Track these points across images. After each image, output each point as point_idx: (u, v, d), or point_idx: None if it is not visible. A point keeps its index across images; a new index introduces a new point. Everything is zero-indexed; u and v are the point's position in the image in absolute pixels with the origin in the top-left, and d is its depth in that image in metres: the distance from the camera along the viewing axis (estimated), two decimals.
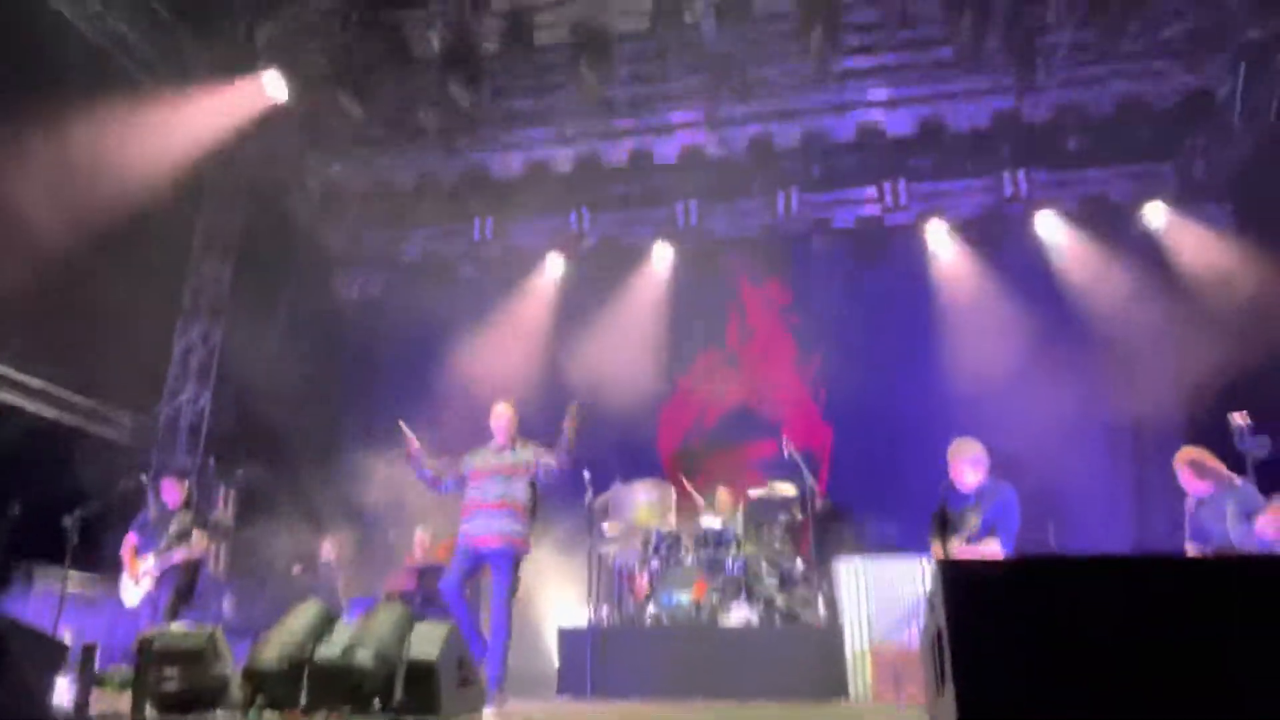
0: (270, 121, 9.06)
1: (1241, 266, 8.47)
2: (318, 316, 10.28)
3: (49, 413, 7.89)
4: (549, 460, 5.81)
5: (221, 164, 9.37)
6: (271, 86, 8.78)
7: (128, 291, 8.29)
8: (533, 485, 5.87)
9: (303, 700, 3.70)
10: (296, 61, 8.92)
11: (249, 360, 9.21)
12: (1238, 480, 5.63)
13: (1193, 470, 5.52)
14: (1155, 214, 9.52)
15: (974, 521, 5.45)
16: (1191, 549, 5.40)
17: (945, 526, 5.31)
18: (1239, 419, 7.24)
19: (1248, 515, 5.26)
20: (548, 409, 9.66)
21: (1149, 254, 9.53)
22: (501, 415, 6.02)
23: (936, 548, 5.33)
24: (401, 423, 5.94)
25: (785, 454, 8.34)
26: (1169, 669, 1.34)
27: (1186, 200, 9.52)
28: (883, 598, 6.65)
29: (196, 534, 6.57)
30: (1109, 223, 9.66)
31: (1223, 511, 5.35)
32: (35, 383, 7.77)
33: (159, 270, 9.12)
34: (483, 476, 5.85)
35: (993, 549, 5.35)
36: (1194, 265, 9.17)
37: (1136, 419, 9.19)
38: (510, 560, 5.68)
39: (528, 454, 5.90)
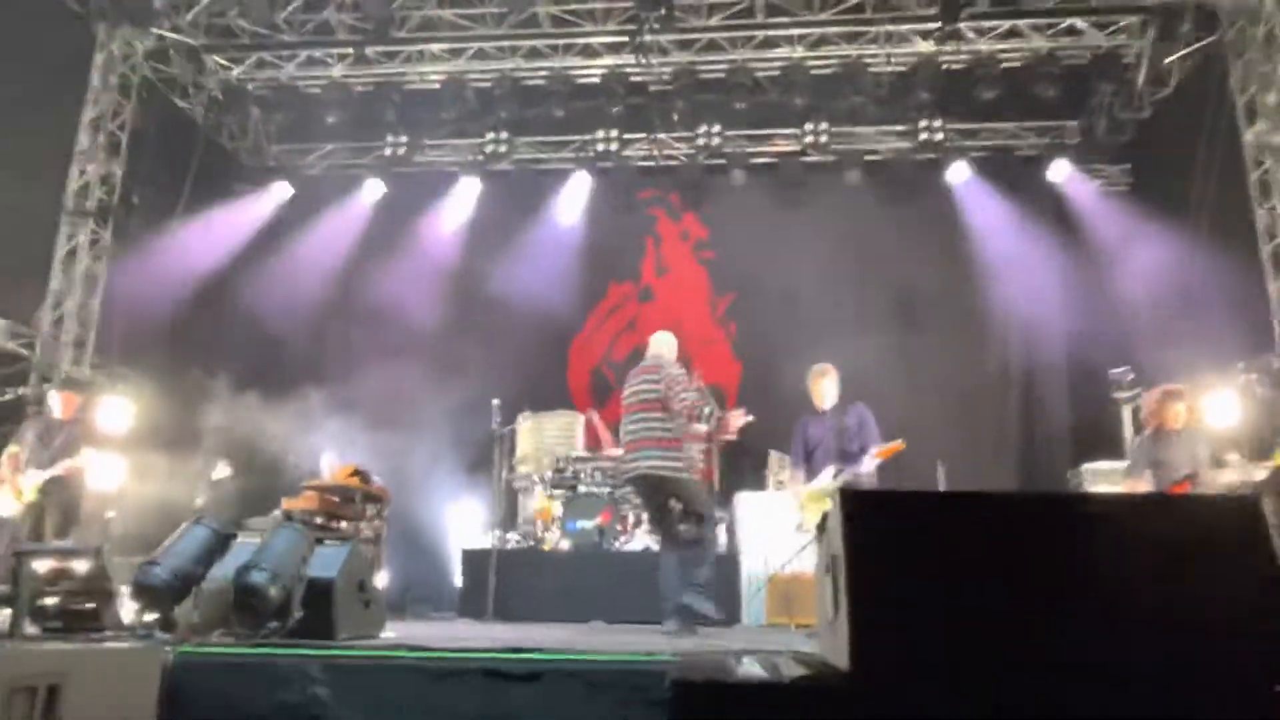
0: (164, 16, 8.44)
1: (1136, 226, 8.86)
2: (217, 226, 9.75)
3: None
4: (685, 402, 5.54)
5: (110, 55, 8.72)
6: None
7: (5, 187, 7.69)
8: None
9: (194, 619, 3.62)
10: None
11: (141, 269, 8.71)
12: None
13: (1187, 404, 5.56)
14: (1059, 169, 9.82)
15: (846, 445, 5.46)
16: (1148, 479, 5.38)
17: (808, 456, 5.66)
18: (1117, 372, 7.73)
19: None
20: (455, 337, 9.56)
21: (1052, 208, 9.87)
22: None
23: (795, 475, 5.71)
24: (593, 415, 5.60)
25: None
26: (1057, 601, 1.42)
27: (1088, 158, 9.87)
28: (780, 529, 6.87)
29: (83, 449, 6.31)
30: (1016, 175, 9.94)
31: (1194, 448, 5.40)
32: None
33: (41, 166, 8.47)
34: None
35: (869, 469, 5.33)
36: (1092, 222, 9.56)
37: (1028, 368, 9.64)
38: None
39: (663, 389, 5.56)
